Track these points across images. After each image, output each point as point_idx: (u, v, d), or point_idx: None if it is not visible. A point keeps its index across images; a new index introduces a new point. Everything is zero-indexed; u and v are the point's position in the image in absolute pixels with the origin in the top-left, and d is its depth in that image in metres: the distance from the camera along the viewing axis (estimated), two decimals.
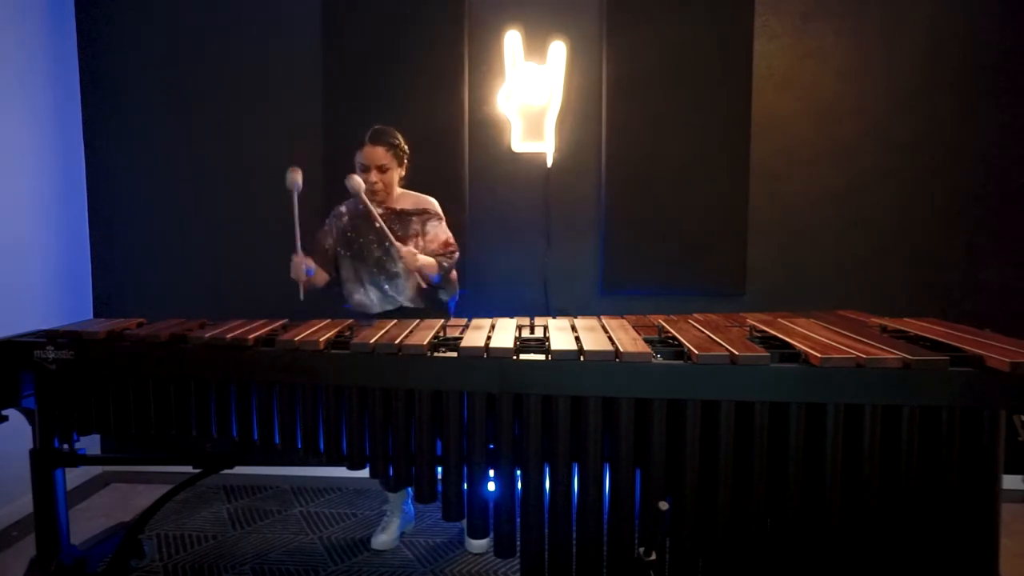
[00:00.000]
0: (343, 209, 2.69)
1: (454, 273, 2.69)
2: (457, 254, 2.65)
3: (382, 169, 2.53)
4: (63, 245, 3.24)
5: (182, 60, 3.28)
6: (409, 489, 2.79)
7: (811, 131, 3.09)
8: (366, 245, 2.60)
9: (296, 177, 2.48)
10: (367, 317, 2.52)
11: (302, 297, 2.49)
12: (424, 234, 2.61)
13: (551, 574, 1.74)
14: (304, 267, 2.48)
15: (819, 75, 3.07)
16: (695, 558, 1.65)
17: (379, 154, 2.52)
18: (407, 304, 2.60)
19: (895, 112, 3.05)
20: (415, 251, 2.50)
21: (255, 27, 3.24)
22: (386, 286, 2.59)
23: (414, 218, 2.61)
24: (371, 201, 2.57)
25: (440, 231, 2.64)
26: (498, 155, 3.18)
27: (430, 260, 2.53)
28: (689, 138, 3.07)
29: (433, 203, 2.67)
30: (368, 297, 2.60)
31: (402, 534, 2.77)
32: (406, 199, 2.66)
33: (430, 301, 2.64)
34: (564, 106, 3.10)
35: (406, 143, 2.63)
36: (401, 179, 2.65)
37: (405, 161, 2.62)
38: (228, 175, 3.31)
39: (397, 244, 2.49)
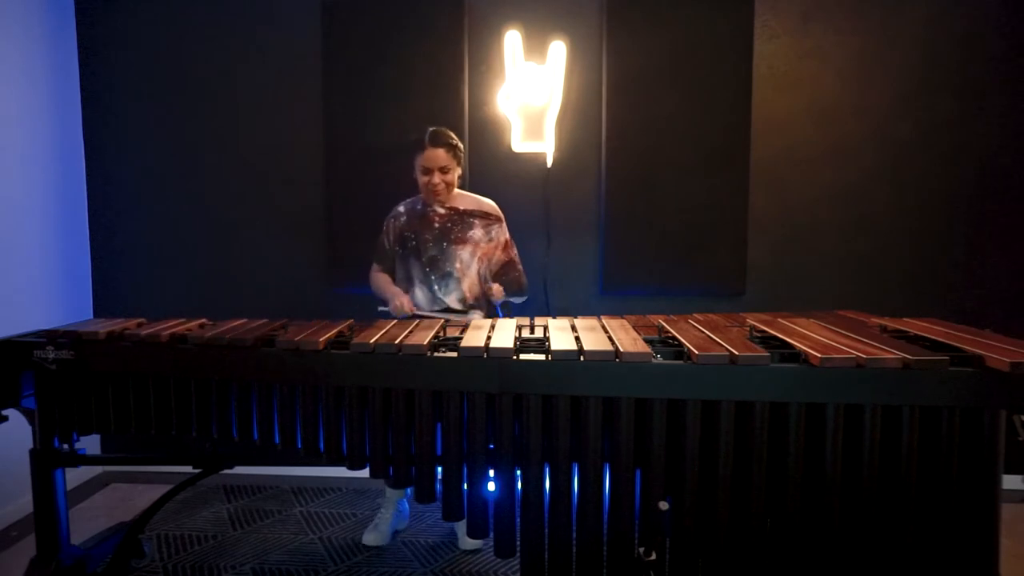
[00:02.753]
0: (401, 209, 2.70)
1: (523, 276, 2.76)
2: (519, 260, 2.73)
3: (444, 171, 2.54)
4: (63, 245, 3.24)
5: (182, 60, 3.28)
6: (408, 488, 2.79)
7: (811, 131, 3.09)
8: (422, 244, 2.60)
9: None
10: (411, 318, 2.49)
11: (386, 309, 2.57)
12: (490, 240, 2.65)
13: (551, 574, 1.74)
14: (407, 309, 2.52)
15: (819, 75, 3.07)
16: (695, 558, 1.65)
17: (440, 156, 2.52)
18: (455, 306, 2.59)
19: (895, 112, 3.05)
20: (499, 288, 2.60)
21: (255, 27, 3.24)
22: (436, 287, 2.59)
23: (476, 221, 2.63)
24: (434, 202, 2.61)
25: (503, 235, 2.69)
26: (498, 155, 3.18)
27: (500, 288, 2.63)
28: (689, 138, 3.07)
29: (496, 207, 2.71)
30: (415, 297, 2.59)
31: (395, 533, 2.77)
32: (465, 200, 2.69)
33: (485, 306, 2.66)
34: (564, 106, 3.10)
35: (461, 142, 2.64)
36: (459, 177, 2.67)
37: (462, 159, 2.64)
38: (228, 175, 3.31)
39: (492, 284, 2.59)
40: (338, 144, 3.18)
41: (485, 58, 3.14)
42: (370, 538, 2.70)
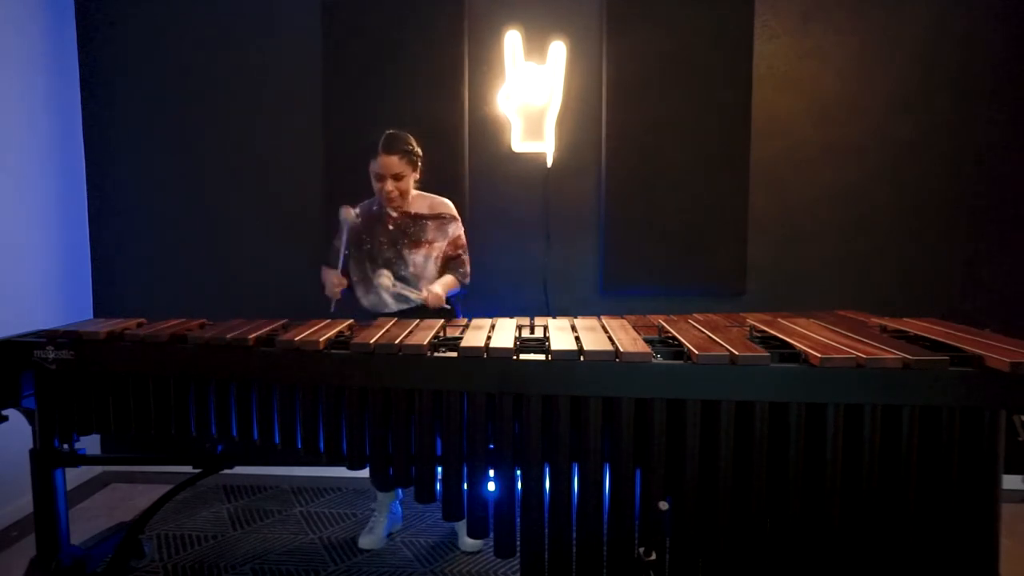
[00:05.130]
0: (355, 210, 2.69)
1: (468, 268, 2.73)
2: (466, 255, 2.69)
3: (397, 177, 2.52)
4: (63, 245, 3.24)
5: (182, 60, 3.28)
6: (399, 490, 2.79)
7: (811, 131, 3.09)
8: (376, 247, 2.59)
9: (349, 214, 2.53)
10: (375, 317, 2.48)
11: (332, 309, 2.54)
12: (445, 239, 2.63)
13: (551, 574, 1.74)
14: (339, 287, 2.54)
15: (819, 75, 3.07)
16: (695, 558, 1.65)
17: (393, 163, 2.49)
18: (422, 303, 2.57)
19: (895, 112, 3.05)
20: (436, 291, 2.51)
21: (255, 27, 3.24)
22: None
23: (429, 223, 2.61)
24: (387, 207, 2.59)
25: (453, 231, 2.66)
26: (498, 155, 3.18)
27: (448, 280, 2.59)
28: (689, 138, 3.07)
29: (449, 206, 2.68)
30: (381, 298, 2.59)
31: (390, 535, 2.76)
32: (421, 202, 2.66)
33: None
34: (564, 106, 3.10)
35: (418, 145, 2.60)
36: (416, 182, 2.65)
37: (419, 164, 2.60)
38: (228, 175, 3.31)
39: (422, 292, 2.50)
40: (338, 144, 3.18)
41: (485, 58, 3.14)
42: (365, 541, 2.69)
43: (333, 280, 2.56)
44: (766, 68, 3.08)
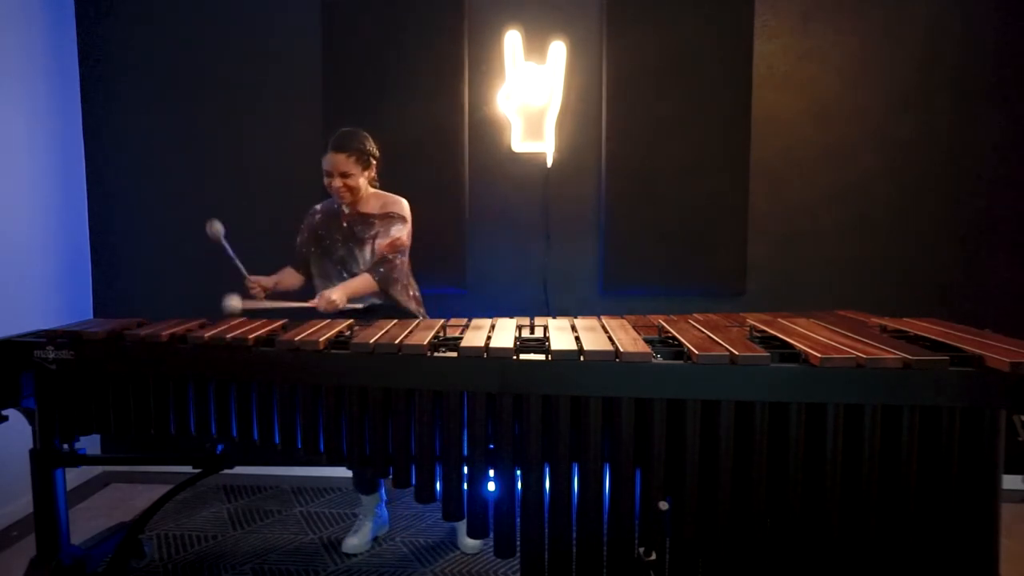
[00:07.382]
0: (317, 208, 2.70)
1: (407, 269, 2.65)
2: (401, 257, 2.58)
3: (345, 175, 2.49)
4: (63, 245, 3.24)
5: (182, 60, 3.28)
6: (383, 493, 2.79)
7: (811, 131, 3.09)
8: (332, 243, 2.60)
9: (216, 229, 2.55)
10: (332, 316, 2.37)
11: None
12: (388, 238, 2.56)
13: (551, 574, 1.74)
14: (254, 287, 2.58)
15: (819, 75, 3.07)
16: (695, 558, 1.65)
17: (340, 161, 2.48)
18: (375, 301, 2.55)
19: (895, 112, 3.05)
20: (330, 297, 2.36)
21: (255, 27, 3.24)
22: None
23: (376, 221, 2.57)
24: (340, 205, 2.58)
25: (394, 231, 2.56)
26: (498, 155, 3.18)
27: (355, 284, 2.47)
28: (689, 138, 3.07)
29: (401, 206, 2.61)
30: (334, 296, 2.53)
31: (375, 538, 2.74)
32: (375, 201, 2.62)
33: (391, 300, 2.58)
34: (564, 106, 3.10)
35: (376, 145, 2.58)
36: (372, 180, 2.63)
37: (373, 163, 2.58)
38: (228, 175, 3.31)
39: (313, 302, 2.38)
40: None
41: (485, 58, 3.13)
42: (350, 545, 2.65)
43: (249, 282, 2.58)
44: (766, 68, 3.08)
